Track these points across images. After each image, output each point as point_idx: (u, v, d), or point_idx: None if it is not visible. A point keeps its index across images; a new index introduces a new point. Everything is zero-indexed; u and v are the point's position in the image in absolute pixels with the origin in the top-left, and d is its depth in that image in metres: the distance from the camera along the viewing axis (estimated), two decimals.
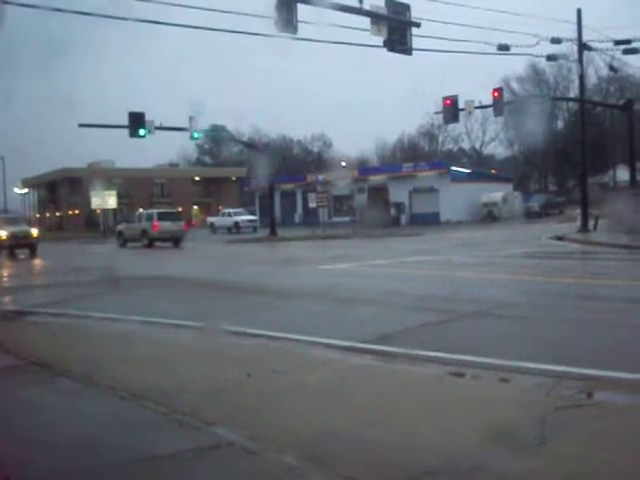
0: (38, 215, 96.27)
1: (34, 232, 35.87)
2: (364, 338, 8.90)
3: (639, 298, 12.79)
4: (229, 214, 62.77)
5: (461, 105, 32.47)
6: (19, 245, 34.70)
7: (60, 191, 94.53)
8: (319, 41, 24.55)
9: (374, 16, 22.33)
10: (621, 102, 46.82)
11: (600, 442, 4.90)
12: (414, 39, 24.49)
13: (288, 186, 72.26)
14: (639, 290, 14.05)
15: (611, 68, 42.52)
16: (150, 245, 40.66)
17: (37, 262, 31.83)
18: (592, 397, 6.15)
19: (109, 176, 73.94)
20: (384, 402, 6.13)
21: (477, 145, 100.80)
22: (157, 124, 37.70)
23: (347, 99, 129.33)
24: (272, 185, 49.10)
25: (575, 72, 49.61)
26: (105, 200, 66.72)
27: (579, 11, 34.87)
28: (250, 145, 71.88)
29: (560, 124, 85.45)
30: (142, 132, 36.63)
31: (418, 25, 24.52)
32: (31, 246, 34.73)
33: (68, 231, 79.38)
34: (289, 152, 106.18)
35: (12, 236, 34.05)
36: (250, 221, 60.87)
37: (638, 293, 13.60)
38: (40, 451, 5.14)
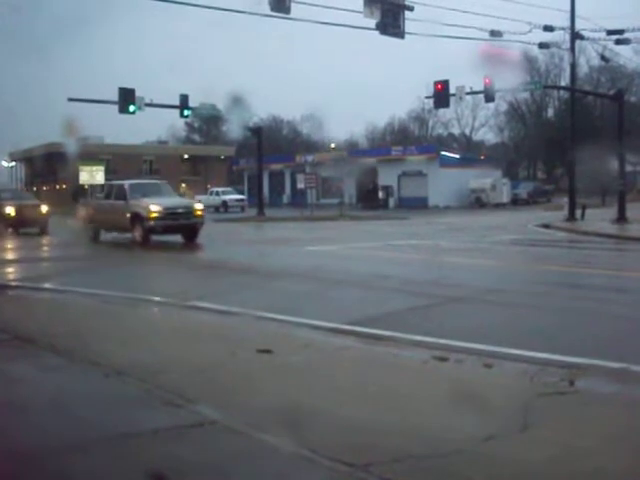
0: (26, 189, 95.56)
1: (44, 208, 31.94)
2: (350, 320, 8.89)
3: (624, 288, 12.85)
4: (217, 193, 62.48)
5: (452, 90, 32.34)
6: (27, 222, 30.51)
7: (48, 165, 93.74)
8: (312, 22, 24.46)
9: None
10: (612, 92, 46.83)
11: (582, 430, 4.92)
12: (407, 23, 24.45)
13: (277, 166, 71.97)
14: (624, 280, 14.10)
15: (603, 58, 42.38)
16: None
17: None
18: (575, 385, 6.17)
19: (97, 151, 73.29)
20: (367, 385, 6.13)
21: (467, 131, 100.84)
22: (147, 101, 37.38)
23: (338, 81, 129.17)
24: (261, 164, 48.77)
25: (567, 61, 49.56)
26: (93, 175, 66.30)
27: None
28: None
29: (550, 112, 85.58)
30: (132, 108, 36.35)
31: (411, 9, 24.45)
32: (41, 222, 30.78)
33: (57, 206, 78.76)
34: (279, 133, 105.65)
35: (20, 212, 30.11)
36: (238, 200, 60.62)
37: (623, 283, 13.66)
38: (20, 426, 5.12)
